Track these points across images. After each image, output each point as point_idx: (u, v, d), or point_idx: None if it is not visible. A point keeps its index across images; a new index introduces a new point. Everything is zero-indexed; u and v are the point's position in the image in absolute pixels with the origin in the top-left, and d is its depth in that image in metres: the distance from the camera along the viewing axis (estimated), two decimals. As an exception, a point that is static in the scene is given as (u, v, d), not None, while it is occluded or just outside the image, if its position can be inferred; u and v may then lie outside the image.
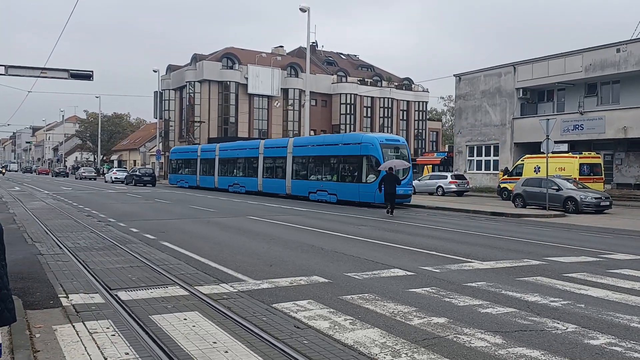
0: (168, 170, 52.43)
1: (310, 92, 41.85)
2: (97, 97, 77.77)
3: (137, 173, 48.92)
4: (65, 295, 7.04)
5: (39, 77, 22.77)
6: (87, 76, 21.83)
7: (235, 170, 38.75)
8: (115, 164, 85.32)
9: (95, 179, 64.92)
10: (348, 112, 67.65)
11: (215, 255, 10.41)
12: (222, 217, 18.58)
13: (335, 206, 25.71)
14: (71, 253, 10.33)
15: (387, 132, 68.62)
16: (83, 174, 67.10)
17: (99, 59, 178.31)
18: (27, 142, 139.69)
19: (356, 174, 26.91)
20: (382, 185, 21.87)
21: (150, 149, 74.65)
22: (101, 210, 20.54)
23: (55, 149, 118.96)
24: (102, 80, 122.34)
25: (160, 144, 64.85)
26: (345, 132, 64.10)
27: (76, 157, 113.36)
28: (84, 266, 9.04)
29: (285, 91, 64.61)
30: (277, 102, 63.75)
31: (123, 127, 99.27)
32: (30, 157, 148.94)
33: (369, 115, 70.03)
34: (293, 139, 34.43)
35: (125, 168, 69.10)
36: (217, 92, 61.74)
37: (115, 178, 54.75)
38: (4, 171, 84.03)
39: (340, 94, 67.62)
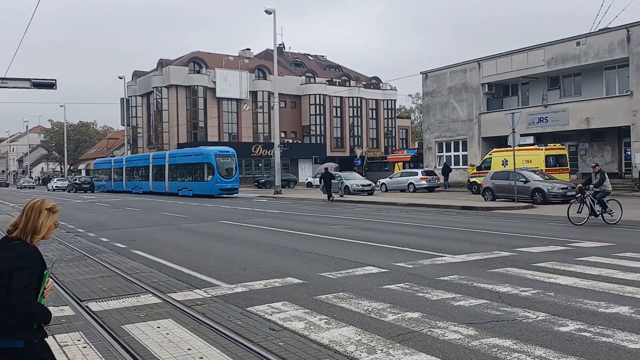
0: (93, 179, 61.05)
1: (279, 94, 41.82)
2: (61, 106, 75.62)
3: (77, 181, 57.86)
4: (34, 309, 6.89)
5: None
6: (50, 85, 21.37)
7: (135, 176, 48.43)
8: (83, 172, 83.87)
9: (34, 188, 73.83)
10: (317, 112, 67.76)
11: (188, 261, 10.32)
12: (193, 223, 18.42)
13: (195, 198, 35.12)
14: (39, 266, 10.12)
15: (357, 131, 71.24)
16: (23, 184, 77.03)
17: (62, 67, 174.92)
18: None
19: (201, 175, 37.46)
20: (323, 180, 29.78)
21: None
22: (69, 220, 20.16)
23: (20, 160, 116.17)
24: (66, 89, 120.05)
25: (129, 151, 64.02)
26: (316, 133, 67.51)
27: (42, 168, 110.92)
28: (52, 278, 8.86)
29: (254, 94, 64.35)
30: (246, 105, 63.36)
31: (90, 135, 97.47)
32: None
33: (338, 115, 70.26)
34: (169, 152, 45.28)
35: (65, 178, 71.84)
36: (184, 97, 61.16)
37: (56, 186, 61.98)
38: None
39: (309, 94, 67.66)
